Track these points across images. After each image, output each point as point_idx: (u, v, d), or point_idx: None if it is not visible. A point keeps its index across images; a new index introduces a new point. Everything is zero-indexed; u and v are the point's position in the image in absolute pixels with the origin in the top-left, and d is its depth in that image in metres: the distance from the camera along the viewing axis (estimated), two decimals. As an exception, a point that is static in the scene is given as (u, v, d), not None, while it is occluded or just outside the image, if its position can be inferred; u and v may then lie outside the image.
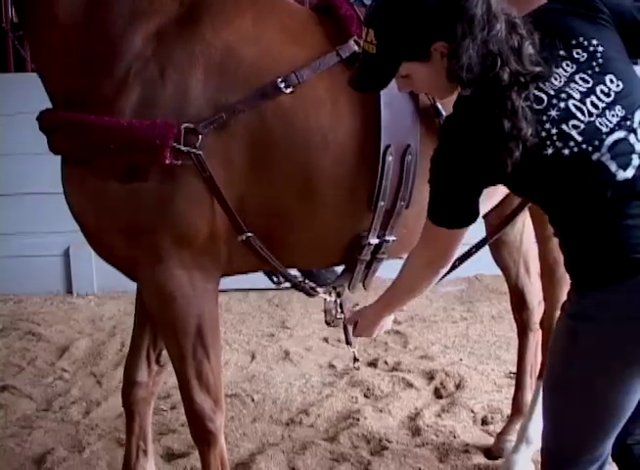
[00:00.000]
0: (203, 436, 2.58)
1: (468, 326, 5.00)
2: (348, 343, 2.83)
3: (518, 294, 3.41)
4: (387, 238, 2.52)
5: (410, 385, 4.10)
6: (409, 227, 2.56)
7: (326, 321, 2.79)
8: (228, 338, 4.80)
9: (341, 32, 2.41)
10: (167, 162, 2.18)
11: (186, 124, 2.19)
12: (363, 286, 2.72)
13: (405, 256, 2.82)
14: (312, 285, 2.66)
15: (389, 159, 2.37)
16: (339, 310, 2.73)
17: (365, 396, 4.02)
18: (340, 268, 2.75)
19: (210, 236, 2.33)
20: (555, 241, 2.94)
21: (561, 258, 2.91)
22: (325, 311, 2.77)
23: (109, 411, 3.85)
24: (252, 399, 3.96)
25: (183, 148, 2.18)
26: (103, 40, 2.27)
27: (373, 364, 4.40)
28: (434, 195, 1.99)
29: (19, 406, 3.94)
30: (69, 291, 5.61)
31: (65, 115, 2.29)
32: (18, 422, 3.77)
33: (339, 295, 2.72)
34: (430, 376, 4.21)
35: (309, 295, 2.66)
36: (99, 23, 2.28)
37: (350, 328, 2.58)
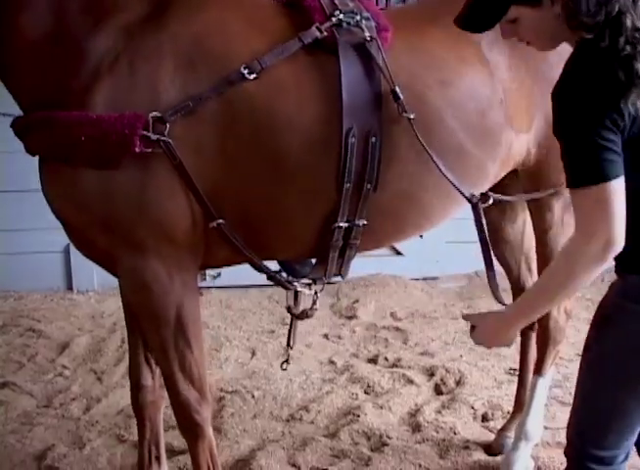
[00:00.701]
0: (189, 428, 2.60)
1: (468, 323, 4.99)
2: (288, 344, 2.84)
3: (520, 292, 3.41)
4: (356, 222, 2.52)
5: (410, 381, 4.11)
6: (385, 214, 2.58)
7: (292, 313, 2.79)
8: (228, 334, 4.82)
9: (304, 21, 2.43)
10: (138, 150, 2.21)
11: (154, 113, 2.22)
12: (340, 276, 2.71)
13: (389, 244, 2.84)
14: (288, 278, 2.66)
15: (352, 140, 2.39)
16: (314, 303, 2.77)
17: (365, 392, 4.03)
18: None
19: (189, 226, 2.35)
20: (552, 234, 2.96)
21: (556, 250, 2.94)
22: (288, 307, 2.79)
23: (109, 408, 3.86)
24: (253, 396, 3.97)
25: (152, 136, 2.21)
26: (69, 43, 2.30)
27: (373, 361, 4.41)
28: (570, 153, 1.89)
29: (19, 403, 3.94)
30: (70, 287, 5.62)
31: (35, 115, 2.31)
32: (18, 419, 3.78)
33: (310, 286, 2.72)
34: (430, 372, 4.22)
35: (285, 288, 2.66)
36: (63, 27, 2.30)
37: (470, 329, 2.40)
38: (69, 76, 2.28)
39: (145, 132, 2.20)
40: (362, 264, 5.70)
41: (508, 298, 3.55)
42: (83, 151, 2.23)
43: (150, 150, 2.23)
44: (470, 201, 2.45)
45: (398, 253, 5.81)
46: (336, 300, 5.41)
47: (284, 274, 2.70)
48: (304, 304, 2.79)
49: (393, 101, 2.40)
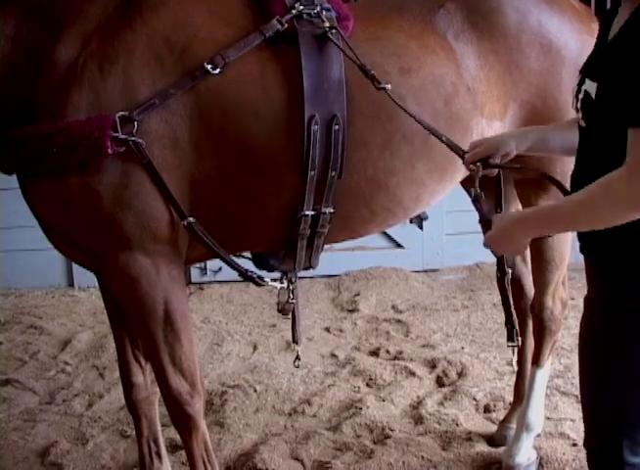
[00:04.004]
0: (182, 422, 2.61)
1: (469, 314, 5.00)
2: (295, 341, 2.84)
3: (516, 283, 3.41)
4: (323, 210, 2.54)
5: (412, 373, 4.11)
6: (353, 200, 2.60)
7: (277, 309, 2.79)
8: (230, 329, 4.82)
9: (265, 13, 2.47)
10: (110, 151, 2.23)
11: (120, 113, 2.24)
12: (311, 266, 2.71)
13: (363, 233, 2.83)
14: (260, 274, 2.66)
15: (315, 128, 2.42)
16: (290, 296, 2.75)
17: (367, 385, 4.03)
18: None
19: (169, 221, 2.38)
20: None
21: (549, 242, 2.95)
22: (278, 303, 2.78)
23: (111, 404, 3.87)
24: (255, 390, 3.97)
25: (121, 136, 2.23)
26: (35, 58, 2.30)
27: (375, 353, 4.41)
28: None
29: (22, 400, 3.96)
30: (71, 284, 5.63)
31: (3, 135, 2.31)
32: (21, 415, 3.79)
33: (290, 281, 2.72)
34: (432, 364, 4.22)
35: (258, 284, 2.66)
36: (28, 46, 2.31)
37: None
38: (38, 91, 2.30)
39: (114, 133, 2.22)
40: (363, 257, 5.75)
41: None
42: (59, 161, 2.25)
43: (123, 149, 2.25)
44: (461, 156, 2.35)
45: (399, 245, 5.82)
46: (337, 293, 5.41)
47: (256, 271, 2.71)
48: (293, 298, 2.78)
49: (363, 82, 2.42)
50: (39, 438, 3.57)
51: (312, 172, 2.45)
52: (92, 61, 2.29)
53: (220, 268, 5.43)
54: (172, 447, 3.35)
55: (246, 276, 2.61)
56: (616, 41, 1.89)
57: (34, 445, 3.51)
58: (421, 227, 5.70)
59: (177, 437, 3.40)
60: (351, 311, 5.09)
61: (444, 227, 5.67)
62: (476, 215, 2.57)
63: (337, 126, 2.44)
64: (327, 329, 4.81)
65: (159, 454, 2.97)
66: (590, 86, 1.92)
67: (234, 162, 2.41)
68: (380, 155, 2.54)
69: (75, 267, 5.48)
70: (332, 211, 2.55)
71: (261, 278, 2.62)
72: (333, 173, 2.48)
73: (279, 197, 2.50)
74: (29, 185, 2.42)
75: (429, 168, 2.61)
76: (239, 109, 2.38)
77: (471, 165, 2.29)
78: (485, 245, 2.10)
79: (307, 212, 2.52)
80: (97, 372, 4.26)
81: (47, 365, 4.36)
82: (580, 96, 1.97)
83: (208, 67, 2.32)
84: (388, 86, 2.40)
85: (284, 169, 2.46)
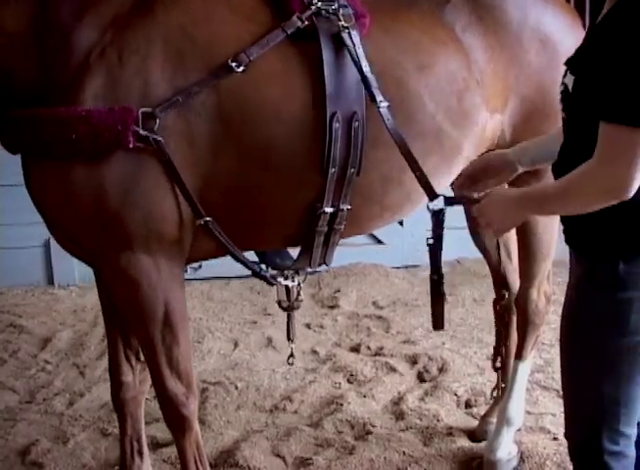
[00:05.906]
0: (177, 422, 2.60)
1: (450, 310, 5.00)
2: (289, 338, 2.85)
3: (501, 279, 3.42)
4: (341, 207, 2.55)
5: (393, 369, 4.12)
6: (367, 198, 2.61)
7: (281, 307, 2.79)
8: (210, 326, 4.81)
9: (285, 10, 2.45)
10: (131, 146, 2.21)
11: (143, 109, 2.22)
12: (325, 263, 2.71)
13: (372, 229, 2.84)
14: (272, 273, 2.66)
15: (336, 125, 2.41)
16: (300, 295, 2.77)
17: (348, 381, 4.04)
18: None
19: (177, 221, 2.35)
20: (530, 220, 2.96)
21: (536, 232, 2.98)
22: (279, 301, 2.79)
23: (92, 402, 3.85)
24: (236, 387, 3.98)
25: (142, 132, 2.21)
26: (54, 37, 2.27)
27: (356, 349, 4.42)
28: (632, 86, 1.74)
29: (2, 399, 3.93)
30: (51, 282, 5.59)
31: (19, 112, 2.28)
32: (1, 414, 3.77)
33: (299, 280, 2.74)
34: (413, 360, 4.23)
35: (269, 283, 2.65)
36: (48, 20, 2.28)
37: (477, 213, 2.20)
38: (55, 71, 2.26)
39: (136, 128, 2.19)
40: (343, 254, 5.70)
41: (489, 283, 3.57)
42: (74, 147, 2.21)
43: (142, 145, 2.22)
44: (430, 197, 2.47)
45: (379, 241, 5.82)
46: (317, 289, 5.41)
47: (268, 270, 2.70)
48: (290, 296, 2.78)
49: (381, 79, 2.43)
50: (19, 437, 3.55)
51: (333, 170, 2.44)
52: (112, 48, 2.26)
53: (200, 266, 5.40)
54: (153, 445, 3.35)
55: (258, 275, 2.60)
56: (592, 36, 1.93)
57: (14, 443, 3.50)
58: (401, 223, 5.71)
59: (159, 435, 3.41)
60: (332, 308, 5.09)
61: (424, 223, 5.65)
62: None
63: (356, 123, 2.44)
64: (307, 325, 4.81)
65: (140, 453, 2.96)
66: (569, 79, 1.96)
67: (252, 160, 2.39)
68: (395, 151, 2.52)
69: (55, 265, 5.45)
70: (349, 207, 2.55)
71: (274, 277, 2.63)
72: (352, 170, 2.48)
73: (297, 195, 2.49)
74: (35, 170, 2.36)
75: (438, 162, 2.63)
76: (260, 107, 2.36)
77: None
78: (475, 214, 2.19)
79: (327, 210, 2.52)
80: (77, 370, 4.25)
81: (27, 364, 4.33)
82: (560, 88, 2.01)
83: (233, 64, 2.30)
84: (385, 103, 2.41)
85: (304, 167, 2.44)
